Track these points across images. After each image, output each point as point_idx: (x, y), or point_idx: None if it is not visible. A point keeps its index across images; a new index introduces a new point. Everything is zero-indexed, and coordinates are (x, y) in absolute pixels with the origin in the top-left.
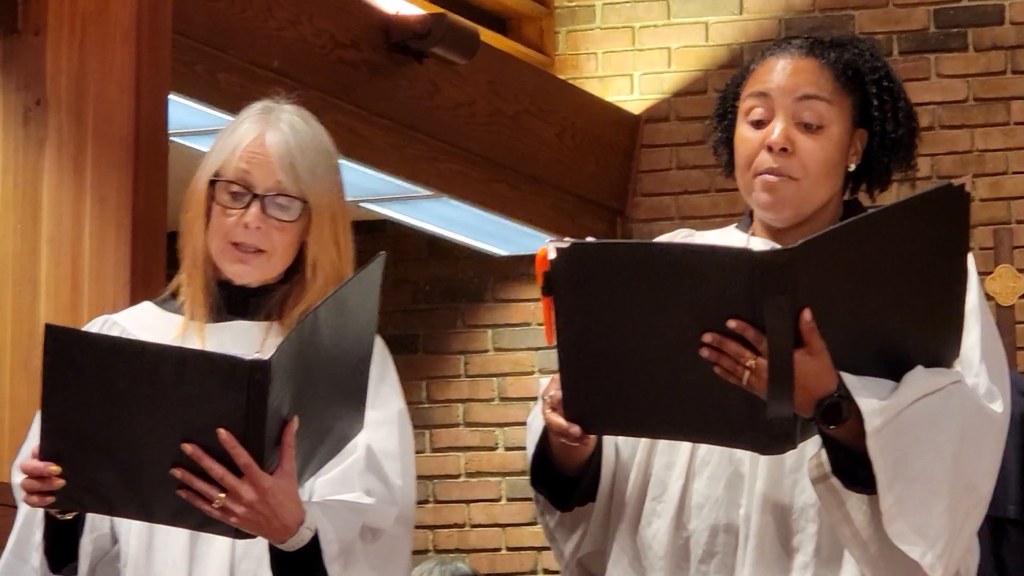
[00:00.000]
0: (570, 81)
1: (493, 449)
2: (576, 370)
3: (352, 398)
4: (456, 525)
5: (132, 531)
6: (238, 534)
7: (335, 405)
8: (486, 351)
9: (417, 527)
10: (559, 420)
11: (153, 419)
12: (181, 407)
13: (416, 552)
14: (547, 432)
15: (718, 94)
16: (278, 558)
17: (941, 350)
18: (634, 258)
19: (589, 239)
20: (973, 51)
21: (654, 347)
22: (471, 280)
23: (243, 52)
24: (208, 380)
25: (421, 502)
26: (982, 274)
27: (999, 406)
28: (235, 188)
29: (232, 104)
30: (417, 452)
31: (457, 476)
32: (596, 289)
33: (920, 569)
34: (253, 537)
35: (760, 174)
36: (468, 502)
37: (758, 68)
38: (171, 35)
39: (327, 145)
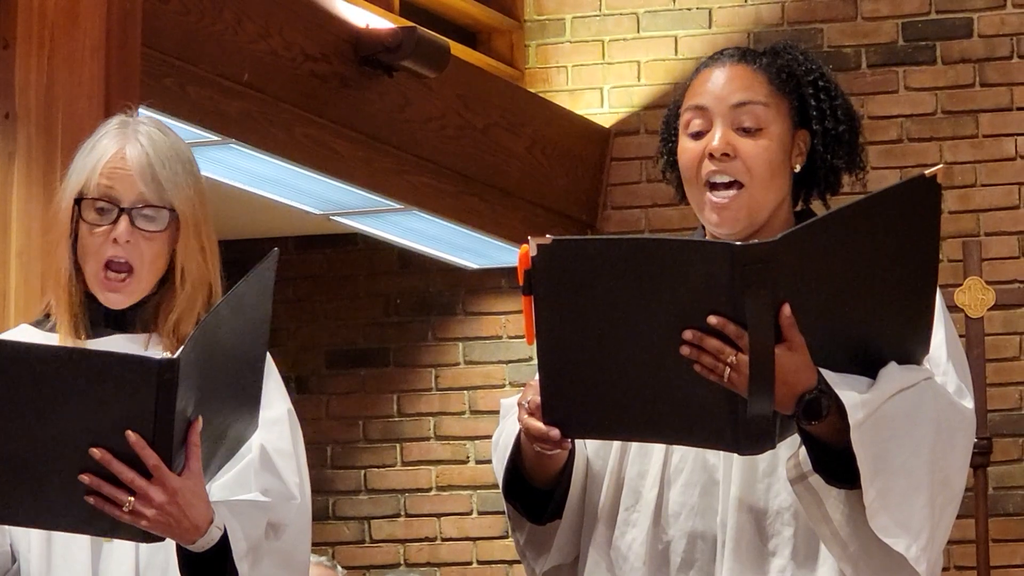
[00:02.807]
0: (540, 94)
1: (464, 462)
2: (556, 371)
3: (247, 398)
4: (427, 539)
5: (32, 549)
6: (147, 537)
7: (233, 406)
8: (457, 364)
9: (388, 541)
10: (538, 424)
11: (60, 423)
12: (89, 409)
13: (387, 566)
14: (518, 446)
15: (662, 119)
16: (187, 561)
17: (912, 346)
18: (616, 252)
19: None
20: (941, 64)
21: (635, 346)
22: (442, 293)
23: (213, 65)
24: (116, 380)
25: (392, 516)
26: (952, 286)
27: (969, 402)
28: (101, 204)
29: (202, 117)
30: (388, 466)
31: (428, 489)
32: (577, 286)
33: (899, 566)
34: (162, 540)
35: (707, 184)
36: (439, 515)
37: (693, 81)
38: (141, 48)
39: (186, 153)
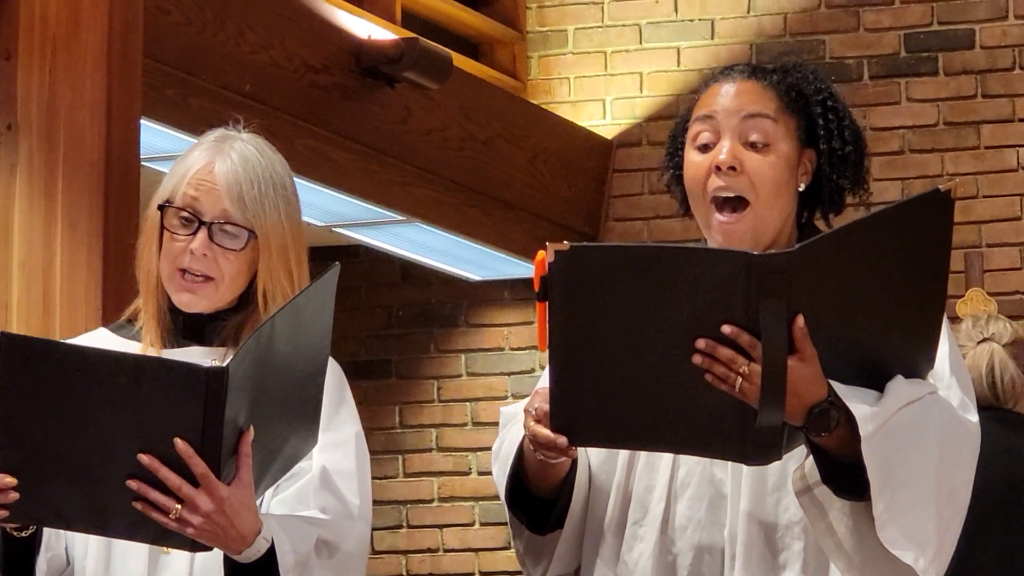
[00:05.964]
0: (542, 106)
1: (466, 474)
2: (567, 378)
3: (306, 412)
4: (429, 550)
5: (88, 555)
6: (195, 546)
7: (289, 419)
8: (459, 376)
9: (390, 552)
10: (545, 432)
11: (109, 428)
12: (138, 415)
13: None
14: (521, 454)
15: (669, 132)
16: (233, 571)
17: (918, 361)
18: (632, 260)
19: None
20: (943, 75)
21: (647, 354)
22: (444, 305)
23: (214, 76)
24: (165, 387)
25: (394, 527)
26: (953, 297)
27: (973, 416)
28: (184, 214)
29: (203, 129)
30: (390, 477)
31: (430, 501)
32: (592, 293)
33: None
34: (210, 549)
35: (713, 200)
36: (441, 527)
37: (702, 95)
38: (142, 59)
39: (280, 175)
